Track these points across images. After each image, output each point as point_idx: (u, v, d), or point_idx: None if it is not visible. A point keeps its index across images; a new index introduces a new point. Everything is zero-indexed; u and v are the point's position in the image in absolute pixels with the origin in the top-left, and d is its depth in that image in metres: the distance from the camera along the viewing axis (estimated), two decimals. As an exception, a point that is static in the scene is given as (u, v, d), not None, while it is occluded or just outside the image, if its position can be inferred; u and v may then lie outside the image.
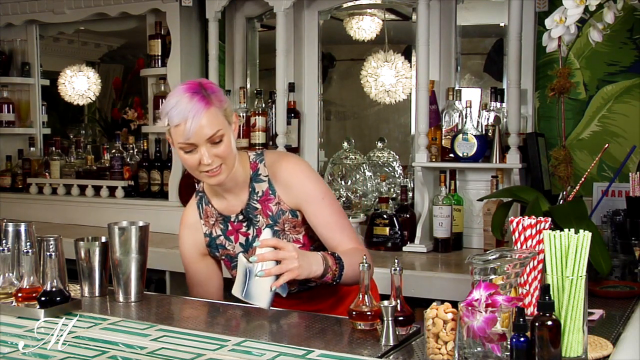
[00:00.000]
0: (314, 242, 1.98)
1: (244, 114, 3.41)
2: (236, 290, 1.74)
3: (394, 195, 3.25)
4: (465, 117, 2.99)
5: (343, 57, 3.70)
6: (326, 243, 1.92)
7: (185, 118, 1.75)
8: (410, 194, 3.18)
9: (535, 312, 1.24)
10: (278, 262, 1.70)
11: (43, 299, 1.73)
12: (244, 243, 1.99)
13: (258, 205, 1.95)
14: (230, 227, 1.99)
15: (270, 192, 1.93)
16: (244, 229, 1.99)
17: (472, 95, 3.13)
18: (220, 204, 1.99)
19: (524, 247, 1.73)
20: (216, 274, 2.10)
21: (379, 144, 3.38)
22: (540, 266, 1.68)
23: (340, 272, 1.79)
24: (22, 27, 4.26)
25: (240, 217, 1.97)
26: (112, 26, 4.10)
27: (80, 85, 4.27)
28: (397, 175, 3.35)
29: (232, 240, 2.00)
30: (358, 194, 3.21)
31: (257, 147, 3.37)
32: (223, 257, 2.05)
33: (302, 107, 3.51)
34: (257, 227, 1.97)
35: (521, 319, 1.21)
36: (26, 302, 1.76)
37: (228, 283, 2.23)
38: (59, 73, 4.28)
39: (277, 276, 1.69)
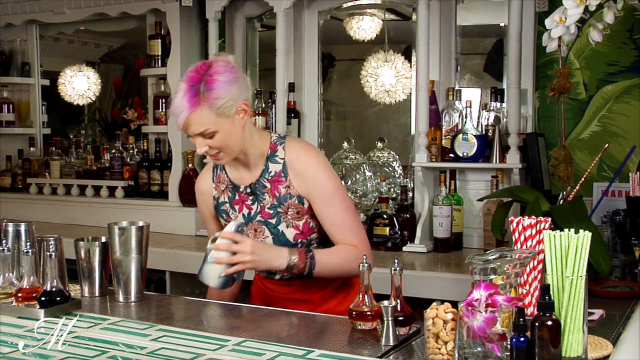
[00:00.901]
0: (312, 232, 2.00)
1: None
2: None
3: (394, 195, 3.25)
4: (465, 117, 2.99)
5: (343, 57, 3.70)
6: (331, 237, 1.97)
7: (175, 112, 1.82)
8: (410, 194, 3.18)
9: (535, 312, 1.24)
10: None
11: (43, 299, 1.73)
12: (246, 215, 2.03)
13: (268, 185, 1.98)
14: (237, 197, 2.03)
15: (283, 175, 1.97)
16: (249, 202, 2.02)
17: (472, 95, 3.13)
18: (233, 173, 2.04)
19: (524, 247, 1.73)
20: None
21: (379, 144, 3.38)
22: (540, 266, 1.68)
23: (310, 269, 1.90)
24: (22, 27, 4.25)
25: (248, 190, 2.01)
26: (112, 26, 4.10)
27: (80, 85, 4.27)
28: (397, 175, 3.35)
29: (237, 210, 2.04)
30: (358, 194, 3.21)
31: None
32: (226, 223, 2.08)
33: (302, 107, 3.51)
34: (262, 204, 2.00)
35: (521, 319, 1.21)
36: (26, 302, 1.76)
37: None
38: (59, 73, 4.28)
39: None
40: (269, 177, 1.97)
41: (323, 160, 2.01)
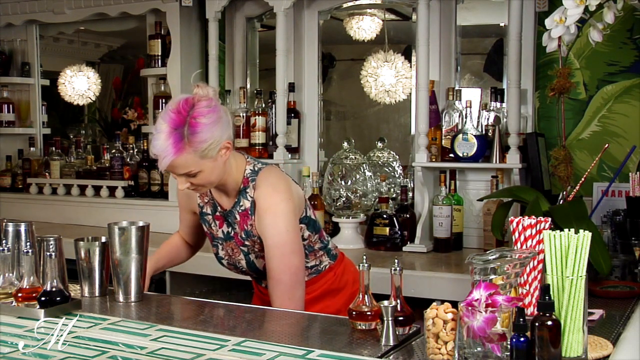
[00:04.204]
0: None
1: (244, 114, 3.41)
2: None
3: (394, 195, 3.24)
4: (465, 117, 2.99)
5: (343, 57, 3.70)
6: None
7: (158, 155, 1.80)
8: (410, 194, 3.18)
9: (535, 312, 1.24)
10: None
11: (43, 299, 1.73)
12: (225, 233, 2.05)
13: (238, 217, 1.99)
14: (218, 213, 2.05)
15: (250, 212, 1.97)
16: (225, 224, 2.04)
17: (472, 95, 3.13)
18: (215, 192, 2.05)
19: (524, 247, 1.73)
20: (199, 225, 2.17)
21: (379, 144, 3.38)
22: (540, 266, 1.68)
23: None
24: (22, 27, 4.25)
25: (224, 215, 2.03)
26: (112, 26, 4.10)
27: (80, 85, 4.27)
28: (397, 175, 3.35)
29: (217, 225, 2.06)
30: (358, 194, 3.21)
31: (257, 148, 3.36)
32: (207, 232, 2.11)
33: (302, 107, 3.51)
34: (235, 231, 2.01)
35: (521, 319, 1.21)
36: (26, 302, 1.76)
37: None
38: (59, 73, 4.28)
39: None
40: (240, 210, 1.98)
41: (285, 207, 1.92)
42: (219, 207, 2.03)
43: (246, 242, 1.99)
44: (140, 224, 1.95)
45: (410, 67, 3.31)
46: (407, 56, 3.33)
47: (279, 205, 1.91)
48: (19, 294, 1.77)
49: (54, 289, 1.74)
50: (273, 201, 1.92)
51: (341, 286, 2.10)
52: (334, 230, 3.20)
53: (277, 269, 1.90)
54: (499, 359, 1.22)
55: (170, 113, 1.79)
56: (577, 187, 2.16)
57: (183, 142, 1.77)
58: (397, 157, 3.38)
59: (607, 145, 2.31)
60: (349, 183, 3.23)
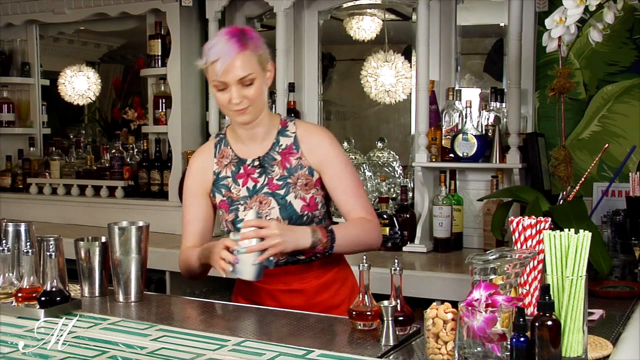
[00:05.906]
0: (316, 208, 2.01)
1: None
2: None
3: (394, 195, 3.25)
4: (465, 117, 2.99)
5: (343, 57, 3.70)
6: (340, 207, 2.02)
7: (219, 57, 1.87)
8: (410, 194, 3.18)
9: (535, 312, 1.24)
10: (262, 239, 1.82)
11: (43, 299, 1.73)
12: (251, 188, 2.02)
13: (278, 157, 2.02)
14: (242, 170, 2.04)
15: (294, 147, 2.02)
16: (255, 175, 2.02)
17: (472, 95, 3.13)
18: (239, 147, 2.06)
19: (524, 247, 1.73)
20: (211, 216, 2.14)
21: (379, 144, 3.38)
22: (540, 266, 1.68)
23: (331, 244, 1.91)
24: (22, 27, 4.26)
25: (256, 163, 2.03)
26: (112, 26, 4.10)
27: (80, 85, 4.26)
28: (397, 175, 3.35)
29: (239, 184, 2.03)
30: (358, 194, 3.21)
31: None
32: (224, 199, 2.05)
33: (302, 107, 3.51)
34: (269, 177, 2.01)
35: (521, 319, 1.21)
36: (26, 302, 1.76)
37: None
38: (59, 73, 4.28)
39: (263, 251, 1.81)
40: (280, 150, 2.02)
41: (334, 137, 2.09)
42: (246, 161, 2.03)
43: (288, 181, 1.99)
44: (140, 224, 1.95)
45: (410, 67, 3.31)
46: (407, 56, 3.33)
47: (330, 134, 2.09)
48: (19, 294, 1.77)
49: (54, 289, 1.74)
50: (323, 131, 2.10)
51: (347, 275, 2.11)
52: (334, 230, 3.20)
53: (353, 183, 2.02)
54: (499, 359, 1.22)
55: (224, 30, 1.93)
56: (577, 187, 2.16)
57: (245, 41, 1.89)
58: (397, 157, 3.38)
59: (607, 145, 2.31)
60: (349, 183, 3.22)
